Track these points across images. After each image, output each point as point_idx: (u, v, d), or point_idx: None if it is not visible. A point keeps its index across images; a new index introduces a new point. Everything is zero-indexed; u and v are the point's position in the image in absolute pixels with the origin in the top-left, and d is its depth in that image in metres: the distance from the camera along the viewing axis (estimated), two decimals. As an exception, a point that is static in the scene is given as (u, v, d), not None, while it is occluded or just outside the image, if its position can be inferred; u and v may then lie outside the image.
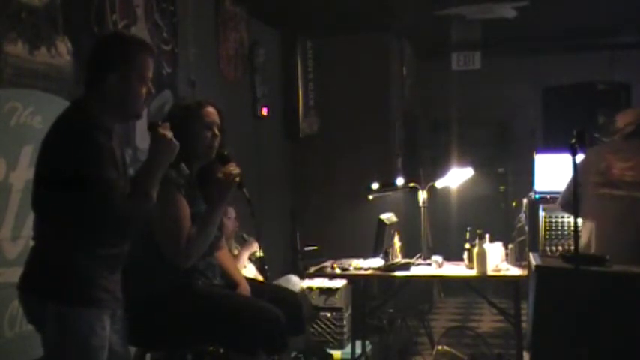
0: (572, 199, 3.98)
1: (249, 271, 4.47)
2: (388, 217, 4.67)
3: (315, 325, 4.92)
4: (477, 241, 4.21)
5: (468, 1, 6.13)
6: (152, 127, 2.50)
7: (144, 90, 2.46)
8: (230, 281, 3.25)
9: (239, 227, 4.61)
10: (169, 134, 2.47)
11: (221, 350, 3.08)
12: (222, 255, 3.32)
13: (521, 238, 4.78)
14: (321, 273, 4.66)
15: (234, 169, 2.96)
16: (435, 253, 4.55)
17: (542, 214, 4.66)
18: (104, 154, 2.31)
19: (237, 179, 2.96)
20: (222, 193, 2.94)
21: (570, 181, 4.04)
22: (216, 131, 3.05)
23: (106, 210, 2.28)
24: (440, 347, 5.10)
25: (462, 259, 4.43)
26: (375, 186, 5.00)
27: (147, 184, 2.39)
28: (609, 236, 3.57)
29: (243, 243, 4.56)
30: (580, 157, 4.05)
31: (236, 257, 4.45)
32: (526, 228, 4.80)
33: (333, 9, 6.10)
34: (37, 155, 2.41)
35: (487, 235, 4.25)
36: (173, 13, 4.57)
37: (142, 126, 3.85)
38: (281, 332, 2.94)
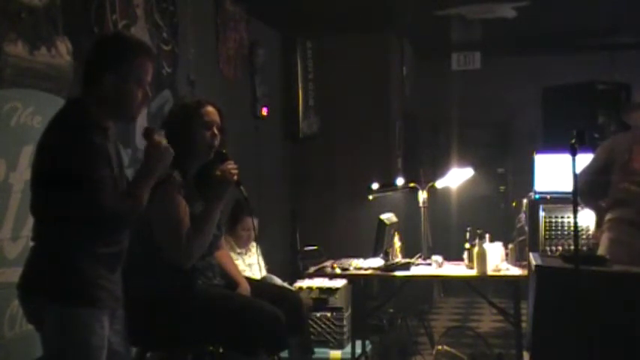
0: (598, 192, 3.93)
1: (255, 272, 4.47)
2: (388, 217, 4.67)
3: (315, 325, 4.92)
4: (476, 241, 4.21)
5: (468, 1, 6.13)
6: (147, 134, 2.51)
7: (140, 93, 2.45)
8: (230, 281, 3.25)
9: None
10: (164, 141, 2.47)
11: (221, 350, 3.08)
12: (222, 255, 3.32)
13: (521, 238, 4.78)
14: (321, 273, 4.66)
15: (232, 167, 2.96)
16: (435, 253, 4.55)
17: (542, 214, 4.66)
18: (97, 154, 2.30)
19: (235, 177, 2.96)
20: (220, 191, 2.95)
21: (594, 168, 3.89)
22: (216, 130, 3.05)
23: (94, 210, 2.28)
24: (440, 347, 5.10)
25: (462, 259, 4.43)
26: (375, 186, 5.00)
27: (137, 187, 2.39)
28: (625, 236, 3.52)
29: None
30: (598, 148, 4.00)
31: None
32: (526, 228, 4.80)
33: (333, 9, 6.10)
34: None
35: (487, 235, 4.25)
36: (173, 13, 4.56)
37: (141, 126, 3.85)
38: (281, 332, 2.94)
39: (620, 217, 3.77)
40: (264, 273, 4.50)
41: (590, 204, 4.01)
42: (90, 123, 2.35)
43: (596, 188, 3.88)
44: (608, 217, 3.89)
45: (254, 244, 4.57)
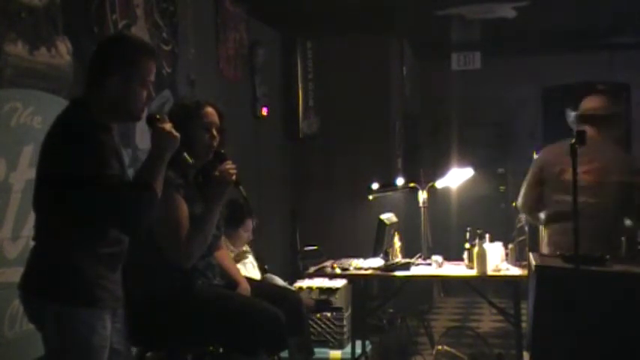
0: (532, 205, 4.04)
1: (250, 270, 4.47)
2: (388, 217, 4.67)
3: (315, 325, 4.92)
4: (477, 241, 4.21)
5: (468, 1, 6.13)
6: (150, 121, 2.49)
7: (144, 93, 2.46)
8: (230, 281, 3.25)
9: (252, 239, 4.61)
10: (168, 126, 2.46)
11: (221, 350, 3.08)
12: (222, 255, 3.33)
13: (521, 238, 4.78)
14: (321, 273, 4.66)
15: (230, 167, 2.96)
16: (435, 253, 4.55)
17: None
18: (106, 151, 2.32)
19: (234, 177, 2.96)
20: (219, 192, 2.95)
21: (529, 182, 4.05)
22: (215, 132, 3.05)
23: (113, 202, 2.28)
24: (440, 347, 5.10)
25: (462, 259, 4.43)
26: (375, 186, 4.99)
27: (149, 174, 2.38)
28: (567, 247, 3.50)
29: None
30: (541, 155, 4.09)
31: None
32: (526, 228, 4.79)
33: (333, 9, 6.10)
34: (37, 155, 2.42)
35: (487, 235, 4.25)
36: (173, 13, 4.56)
37: (141, 126, 3.85)
38: (281, 332, 2.94)
39: (563, 229, 3.79)
40: (257, 271, 4.50)
41: (532, 217, 4.12)
42: (94, 123, 2.35)
43: (534, 201, 4.03)
44: (549, 230, 3.95)
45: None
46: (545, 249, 3.96)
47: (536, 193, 4.02)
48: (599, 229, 3.59)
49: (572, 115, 4.03)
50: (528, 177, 4.07)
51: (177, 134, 2.46)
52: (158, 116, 2.51)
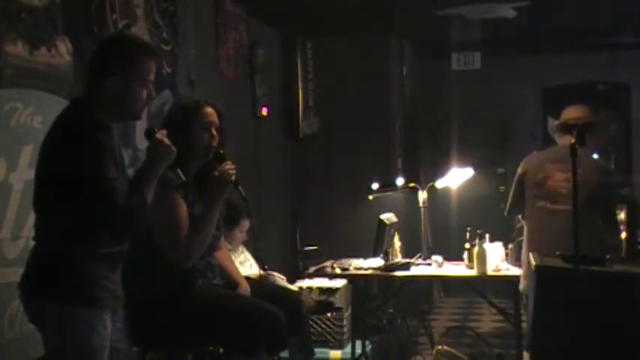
0: (513, 209, 4.17)
1: (251, 269, 4.47)
2: (388, 217, 4.67)
3: (315, 325, 4.91)
4: (477, 241, 4.21)
5: (468, 1, 6.13)
6: (149, 134, 2.52)
7: (144, 92, 2.47)
8: (230, 281, 3.25)
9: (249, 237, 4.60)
10: (166, 140, 2.48)
11: (221, 350, 3.08)
12: (222, 255, 3.33)
13: (521, 238, 4.78)
14: (321, 273, 4.66)
15: (230, 167, 2.96)
16: (435, 253, 4.55)
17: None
18: (105, 153, 2.32)
19: (234, 177, 2.96)
20: (218, 192, 2.95)
21: (512, 188, 4.18)
22: (214, 132, 3.05)
23: (107, 209, 2.29)
24: (440, 347, 5.10)
25: (462, 259, 4.43)
26: (375, 186, 5.00)
27: (143, 186, 2.40)
28: (549, 252, 3.50)
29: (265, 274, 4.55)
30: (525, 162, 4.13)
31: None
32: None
33: (333, 9, 6.10)
34: (37, 155, 2.42)
35: (487, 235, 4.26)
36: (173, 13, 4.57)
37: (141, 126, 3.85)
38: (281, 332, 2.94)
39: (545, 236, 3.81)
40: (256, 269, 4.50)
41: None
42: (94, 123, 2.36)
43: (515, 206, 4.18)
44: (530, 236, 3.97)
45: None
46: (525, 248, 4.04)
47: (516, 198, 4.11)
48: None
49: (554, 124, 4.09)
50: (515, 180, 4.17)
51: (174, 148, 2.47)
52: (157, 130, 2.54)
